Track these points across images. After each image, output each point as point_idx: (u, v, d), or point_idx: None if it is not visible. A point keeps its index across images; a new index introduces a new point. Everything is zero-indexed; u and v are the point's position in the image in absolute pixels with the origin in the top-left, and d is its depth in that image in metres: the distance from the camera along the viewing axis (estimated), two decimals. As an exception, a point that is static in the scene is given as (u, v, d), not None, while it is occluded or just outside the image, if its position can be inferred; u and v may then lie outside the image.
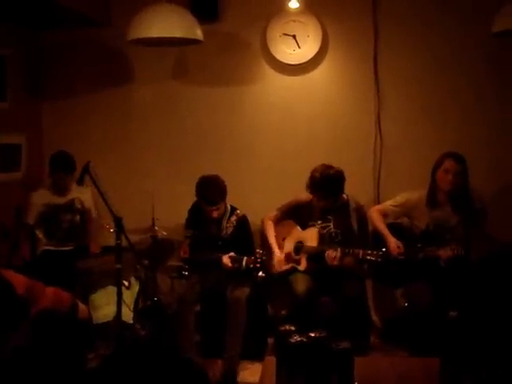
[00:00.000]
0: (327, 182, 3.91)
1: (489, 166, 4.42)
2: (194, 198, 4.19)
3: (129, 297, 3.94)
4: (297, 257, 4.12)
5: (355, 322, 3.85)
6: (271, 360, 2.72)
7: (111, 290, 3.82)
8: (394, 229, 4.05)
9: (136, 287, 4.09)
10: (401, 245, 3.92)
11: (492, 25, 3.93)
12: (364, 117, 4.64)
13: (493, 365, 3.54)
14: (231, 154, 4.82)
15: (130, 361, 2.67)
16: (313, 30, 4.56)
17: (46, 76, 5.02)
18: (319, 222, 4.10)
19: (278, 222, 4.26)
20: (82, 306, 2.74)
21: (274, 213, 4.25)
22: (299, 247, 4.13)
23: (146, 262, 4.03)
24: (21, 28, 4.75)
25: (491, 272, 3.85)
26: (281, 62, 4.66)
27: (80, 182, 3.54)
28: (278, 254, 4.13)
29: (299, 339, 2.56)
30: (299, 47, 4.59)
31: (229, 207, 4.22)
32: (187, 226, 4.29)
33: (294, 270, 4.09)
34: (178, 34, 4.00)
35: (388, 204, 4.15)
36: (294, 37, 4.58)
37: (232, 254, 4.04)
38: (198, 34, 4.09)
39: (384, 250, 3.84)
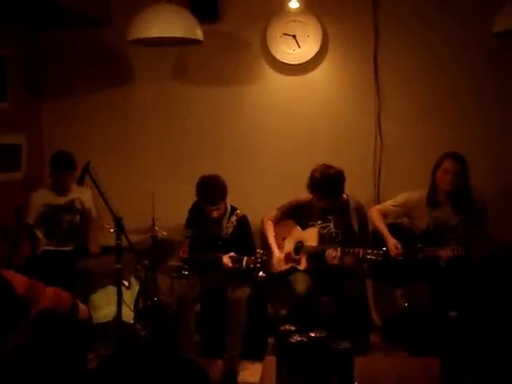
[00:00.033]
0: (327, 182, 3.91)
1: (489, 166, 4.42)
2: (194, 198, 4.19)
3: (129, 297, 3.94)
4: (297, 257, 4.12)
5: (355, 321, 3.85)
6: (271, 360, 2.72)
7: (111, 290, 3.82)
8: (394, 229, 4.05)
9: (136, 287, 4.09)
10: (399, 245, 3.92)
11: (492, 25, 3.94)
12: (364, 117, 4.63)
13: (493, 365, 3.54)
14: (231, 153, 4.82)
15: (130, 361, 2.67)
16: (313, 30, 4.56)
17: (45, 76, 5.02)
18: (319, 221, 4.10)
19: (278, 221, 4.26)
20: (82, 306, 2.73)
21: (273, 213, 4.26)
22: (299, 247, 4.13)
23: (146, 262, 4.03)
24: (21, 28, 4.75)
25: (491, 272, 3.84)
26: (281, 62, 4.66)
27: (80, 182, 3.54)
28: (277, 254, 4.13)
29: (299, 339, 2.56)
30: (299, 47, 4.59)
31: (229, 207, 4.22)
32: (187, 226, 4.29)
33: (293, 270, 4.09)
34: (178, 33, 4.00)
35: (388, 204, 4.15)
36: (294, 37, 4.58)
37: (232, 254, 4.04)
38: (198, 34, 4.10)
39: (384, 249, 3.84)
